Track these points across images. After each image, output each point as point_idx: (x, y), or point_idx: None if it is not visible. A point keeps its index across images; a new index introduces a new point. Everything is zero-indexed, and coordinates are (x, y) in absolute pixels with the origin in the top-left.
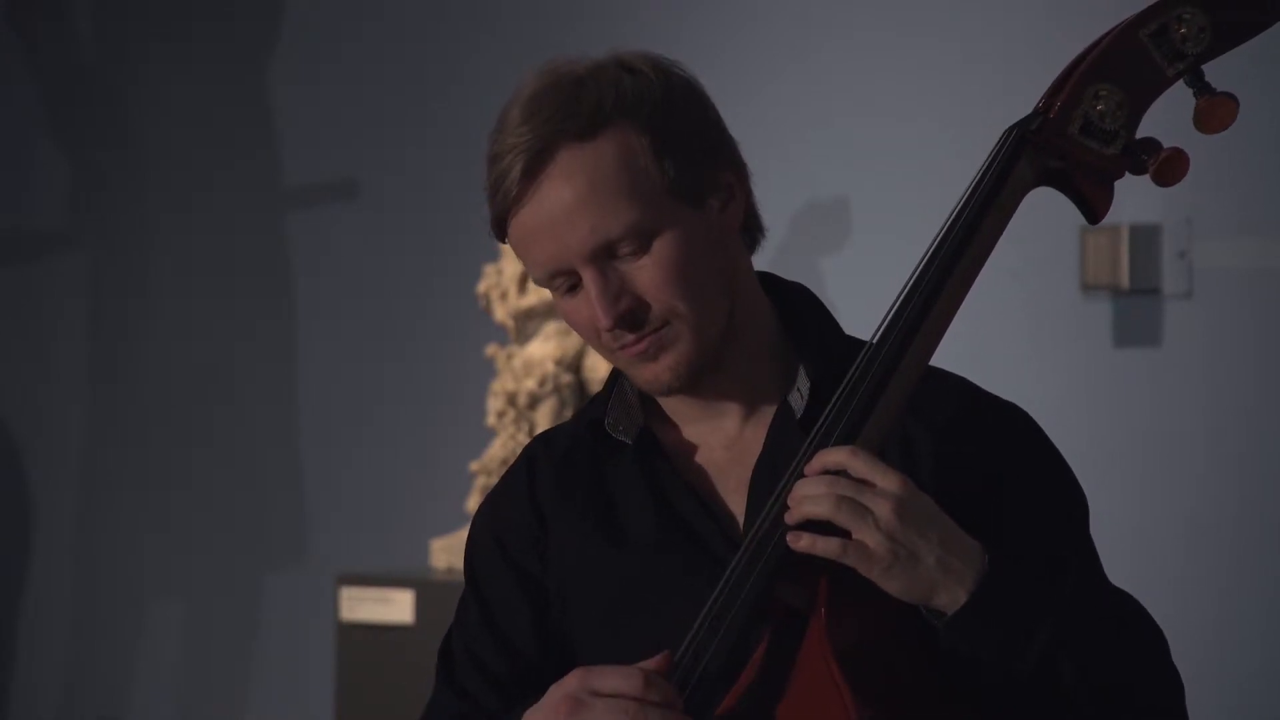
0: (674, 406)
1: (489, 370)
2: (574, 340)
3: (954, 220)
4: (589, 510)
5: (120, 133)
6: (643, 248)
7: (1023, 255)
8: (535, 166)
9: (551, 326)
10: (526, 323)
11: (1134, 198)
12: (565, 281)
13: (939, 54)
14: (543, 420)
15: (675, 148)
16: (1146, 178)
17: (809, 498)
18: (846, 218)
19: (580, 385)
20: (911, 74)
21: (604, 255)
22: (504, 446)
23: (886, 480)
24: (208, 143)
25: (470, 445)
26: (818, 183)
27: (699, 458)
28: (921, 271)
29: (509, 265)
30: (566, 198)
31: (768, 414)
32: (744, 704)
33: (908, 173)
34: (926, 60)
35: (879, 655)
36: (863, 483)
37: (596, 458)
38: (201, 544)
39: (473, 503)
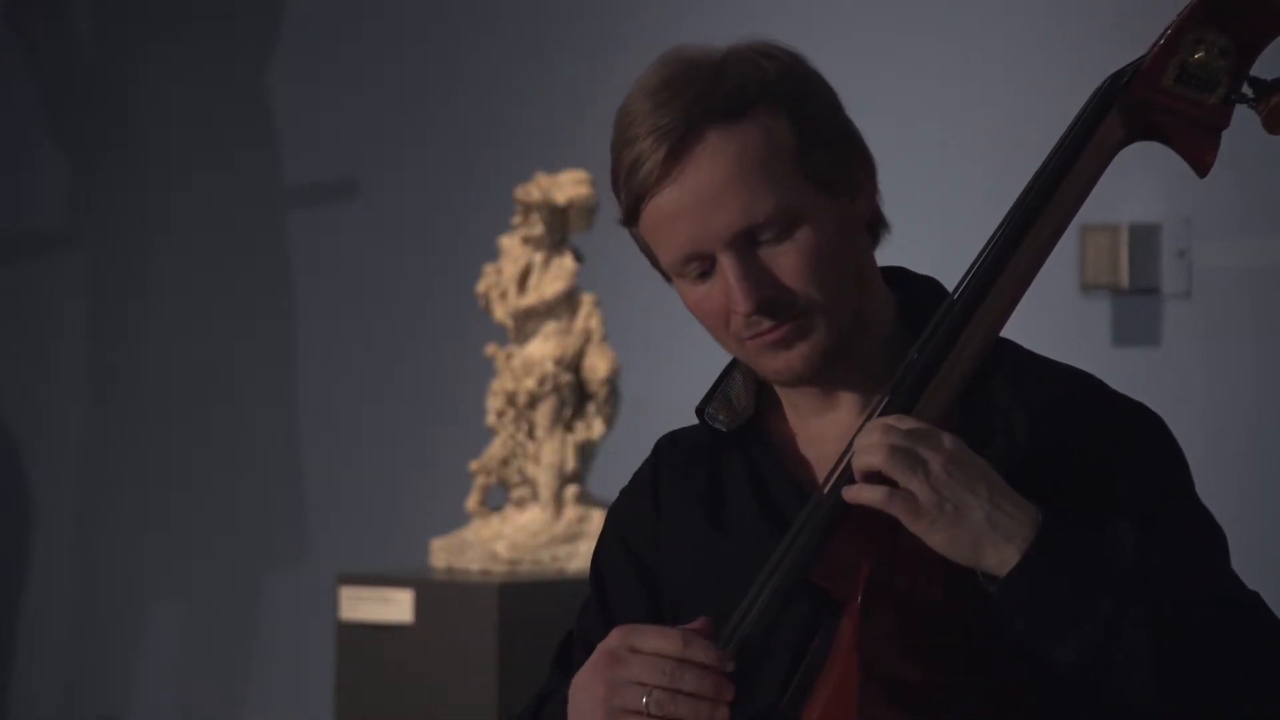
0: (791, 399)
1: (489, 370)
2: (574, 340)
3: (1034, 180)
4: (699, 499)
5: (120, 133)
6: (786, 233)
7: None
8: (681, 147)
9: (551, 326)
10: (526, 322)
11: (1134, 197)
12: (698, 267)
13: (939, 54)
14: (542, 420)
15: (815, 135)
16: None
17: (866, 447)
18: None
19: (580, 385)
20: (911, 74)
21: (745, 239)
22: (504, 446)
23: (934, 436)
24: (208, 143)
25: (470, 445)
26: None
27: (809, 450)
28: (998, 232)
29: (509, 265)
30: (716, 179)
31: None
32: (793, 691)
33: (908, 173)
34: (926, 60)
35: (909, 653)
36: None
37: (713, 449)
38: (201, 544)
39: (473, 502)
